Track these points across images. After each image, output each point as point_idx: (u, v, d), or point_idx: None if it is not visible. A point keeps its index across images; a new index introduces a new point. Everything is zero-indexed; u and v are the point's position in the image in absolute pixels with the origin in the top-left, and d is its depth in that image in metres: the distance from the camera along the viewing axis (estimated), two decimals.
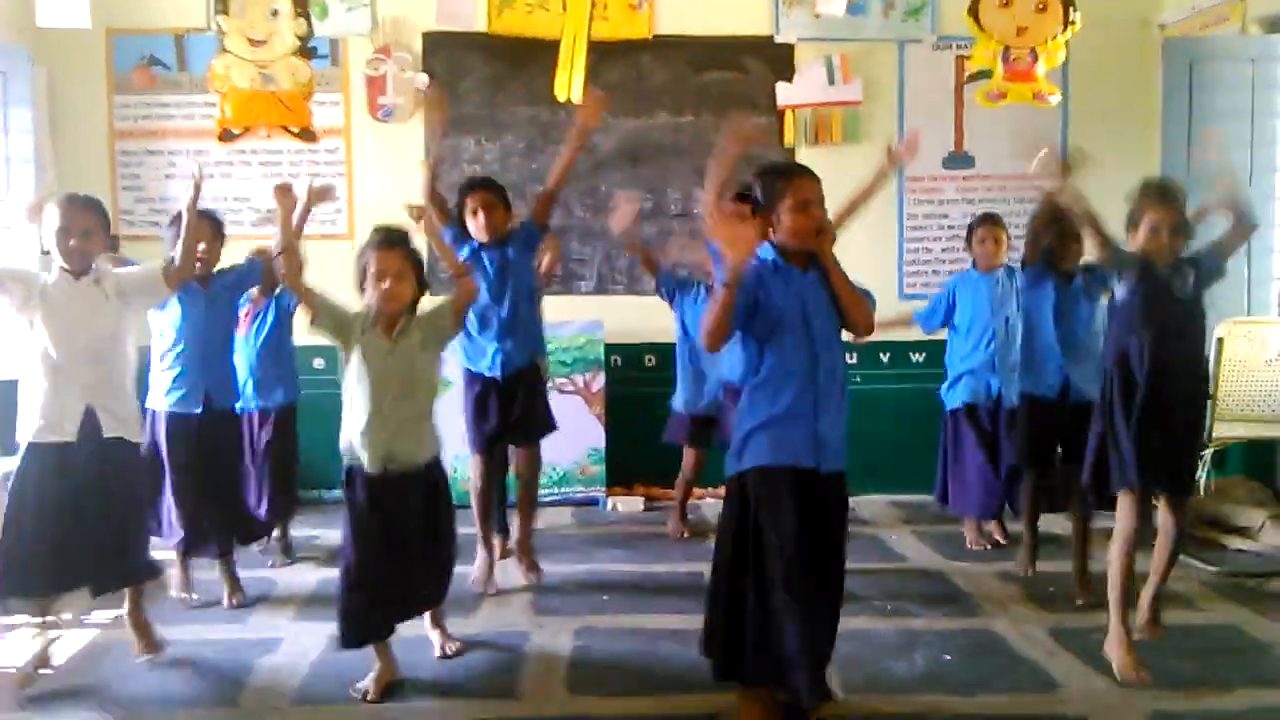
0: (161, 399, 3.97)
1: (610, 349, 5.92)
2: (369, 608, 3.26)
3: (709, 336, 2.86)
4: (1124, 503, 3.43)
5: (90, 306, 3.38)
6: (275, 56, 4.78)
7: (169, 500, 3.97)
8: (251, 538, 4.34)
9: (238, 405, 4.32)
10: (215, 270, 4.07)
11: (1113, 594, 3.45)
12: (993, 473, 4.72)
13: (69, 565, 3.34)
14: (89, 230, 3.37)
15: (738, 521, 2.92)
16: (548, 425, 4.39)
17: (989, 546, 4.85)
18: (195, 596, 4.14)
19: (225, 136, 5.46)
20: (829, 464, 2.90)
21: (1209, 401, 4.34)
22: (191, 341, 3.95)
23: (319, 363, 5.71)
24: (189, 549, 4.08)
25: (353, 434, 3.26)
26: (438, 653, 3.58)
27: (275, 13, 4.78)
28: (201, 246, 3.75)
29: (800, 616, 2.80)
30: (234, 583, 4.15)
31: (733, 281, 2.78)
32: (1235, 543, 4.77)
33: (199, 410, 3.96)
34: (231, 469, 4.20)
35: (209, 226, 3.95)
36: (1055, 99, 4.93)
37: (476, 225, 4.14)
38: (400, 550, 3.29)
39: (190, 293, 3.90)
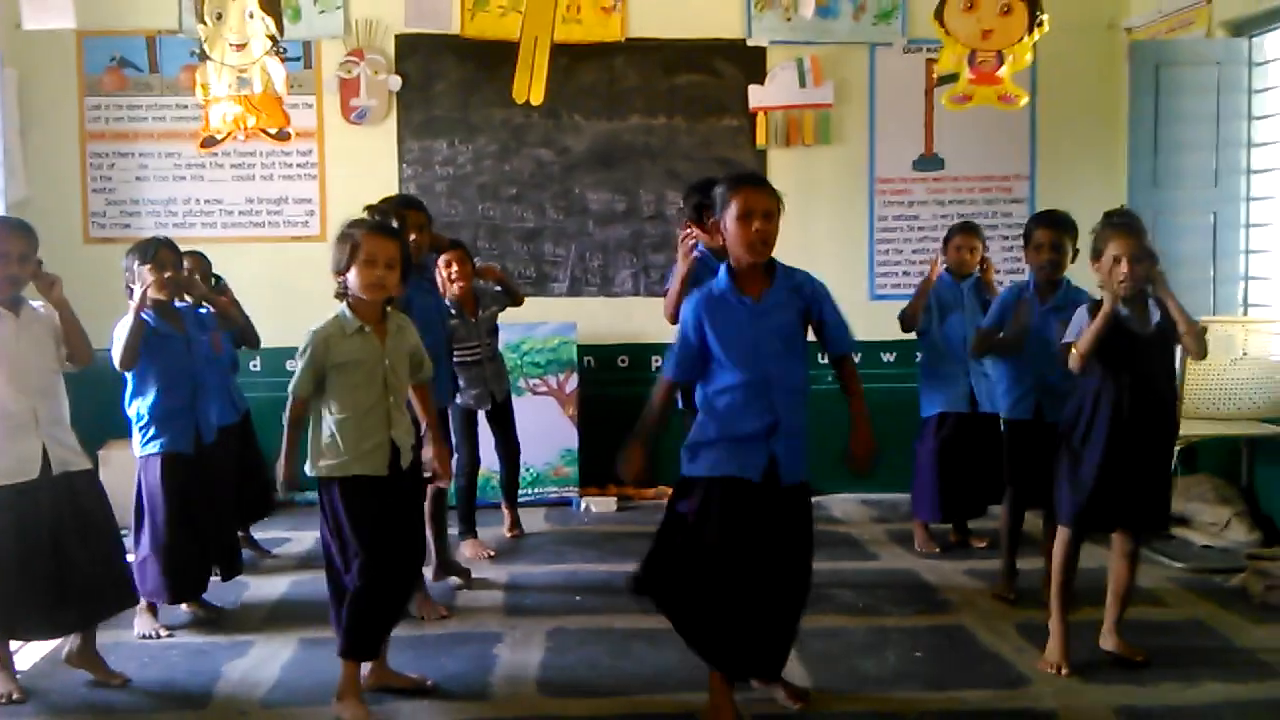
0: (154, 443, 3.78)
1: (584, 350, 5.93)
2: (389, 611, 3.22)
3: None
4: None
5: (36, 342, 3.26)
6: (253, 60, 4.74)
7: (148, 547, 3.76)
8: (235, 572, 4.16)
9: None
10: (180, 307, 3.93)
11: (1053, 595, 3.51)
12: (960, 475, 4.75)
13: (51, 609, 3.24)
14: (25, 255, 3.22)
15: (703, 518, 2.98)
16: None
17: (940, 549, 4.86)
18: (166, 633, 3.86)
19: (207, 143, 5.43)
20: (788, 477, 2.99)
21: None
22: (180, 382, 3.80)
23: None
24: (178, 597, 3.87)
25: (354, 441, 3.11)
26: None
27: (251, 15, 4.74)
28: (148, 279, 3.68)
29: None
30: (208, 607, 4.05)
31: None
32: (1201, 539, 4.82)
33: (190, 450, 3.81)
34: (228, 503, 4.07)
35: (172, 257, 3.80)
36: (1023, 101, 4.96)
37: (409, 244, 3.95)
38: (409, 548, 3.27)
39: (169, 338, 3.79)
